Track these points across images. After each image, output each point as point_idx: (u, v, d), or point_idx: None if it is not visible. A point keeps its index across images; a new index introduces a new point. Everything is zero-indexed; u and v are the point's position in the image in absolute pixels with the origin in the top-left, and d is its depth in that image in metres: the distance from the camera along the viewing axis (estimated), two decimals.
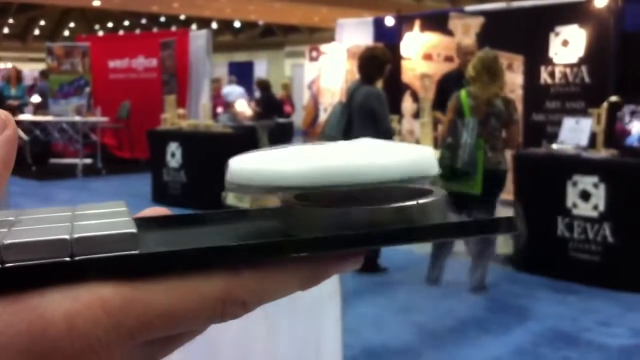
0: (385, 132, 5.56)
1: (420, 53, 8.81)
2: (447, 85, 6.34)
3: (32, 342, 0.28)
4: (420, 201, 0.35)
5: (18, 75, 14.24)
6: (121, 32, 27.88)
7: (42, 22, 31.09)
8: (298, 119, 14.69)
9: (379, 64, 5.59)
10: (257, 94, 14.57)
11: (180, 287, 0.31)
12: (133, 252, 0.30)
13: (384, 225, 0.34)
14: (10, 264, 0.29)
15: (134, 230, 0.31)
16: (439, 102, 6.45)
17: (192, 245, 0.31)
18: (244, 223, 0.36)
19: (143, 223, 0.35)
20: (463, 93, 5.13)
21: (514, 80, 7.45)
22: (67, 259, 0.29)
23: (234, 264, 0.32)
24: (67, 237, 0.30)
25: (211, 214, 0.38)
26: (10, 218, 0.33)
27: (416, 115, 8.78)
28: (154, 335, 0.31)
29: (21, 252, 0.29)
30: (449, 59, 8.01)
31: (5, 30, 31.07)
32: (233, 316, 0.33)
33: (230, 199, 8.31)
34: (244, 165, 0.36)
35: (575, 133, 5.94)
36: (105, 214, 0.34)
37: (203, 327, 0.34)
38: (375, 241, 0.34)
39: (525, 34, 7.44)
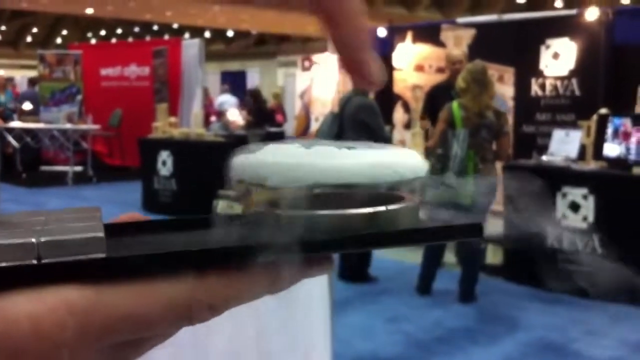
0: (382, 142, 5.56)
1: (412, 64, 8.84)
2: (436, 96, 6.36)
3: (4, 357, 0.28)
4: (390, 207, 0.35)
5: (4, 82, 14.21)
6: (114, 40, 27.85)
7: (35, 29, 31.03)
8: (290, 128, 14.70)
9: None
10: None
11: (145, 291, 0.31)
12: (99, 255, 0.30)
13: (352, 230, 0.34)
14: None
15: (101, 234, 0.31)
16: (427, 113, 6.46)
17: (159, 250, 0.32)
18: (214, 229, 0.36)
19: (114, 228, 0.35)
20: (455, 104, 5.15)
21: (505, 92, 7.49)
22: (34, 261, 0.30)
23: (200, 268, 0.32)
24: (33, 240, 0.30)
25: (183, 220, 0.38)
26: None
27: (407, 125, 8.80)
28: (119, 338, 0.31)
29: None
30: (440, 70, 8.03)
31: None
32: (200, 320, 0.33)
33: (221, 207, 8.30)
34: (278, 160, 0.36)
35: (565, 145, 5.97)
36: (77, 218, 0.34)
37: (171, 331, 0.34)
38: (341, 246, 0.34)
39: (516, 46, 7.48)
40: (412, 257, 5.76)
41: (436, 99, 6.24)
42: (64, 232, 0.31)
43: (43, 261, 0.30)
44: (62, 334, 0.29)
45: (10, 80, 16.20)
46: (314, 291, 1.85)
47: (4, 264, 0.29)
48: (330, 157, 0.35)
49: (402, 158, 0.37)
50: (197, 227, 0.37)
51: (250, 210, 0.36)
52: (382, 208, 0.34)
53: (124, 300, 0.31)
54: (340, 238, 0.34)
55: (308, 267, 0.35)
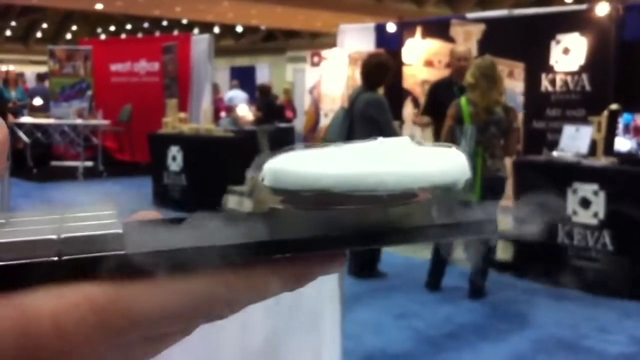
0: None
1: (422, 59, 8.83)
2: (438, 92, 6.34)
3: (17, 340, 0.28)
4: (404, 204, 0.35)
5: (15, 78, 14.26)
6: (123, 36, 27.91)
7: (45, 25, 31.13)
8: (299, 124, 14.68)
9: (385, 70, 5.60)
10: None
11: (165, 286, 0.31)
12: (119, 252, 0.31)
13: (368, 226, 0.34)
14: None
15: (120, 230, 0.31)
16: (429, 109, 6.43)
17: (177, 245, 0.32)
18: (231, 226, 0.36)
19: (131, 225, 0.35)
20: (463, 100, 5.14)
21: (515, 87, 7.47)
22: (55, 258, 0.30)
23: (219, 264, 0.32)
24: (54, 237, 0.30)
25: (199, 216, 0.38)
26: (1, 220, 0.34)
27: (416, 115, 8.79)
28: (139, 334, 0.31)
29: (9, 252, 0.29)
30: (450, 65, 8.02)
31: (8, 32, 31.10)
32: (219, 317, 0.33)
33: (231, 203, 8.31)
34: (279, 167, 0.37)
35: (575, 141, 5.95)
36: (94, 216, 0.34)
37: (189, 328, 0.35)
38: (355, 242, 0.35)
39: (526, 42, 7.46)
40: (421, 253, 5.76)
41: (438, 95, 6.23)
42: (82, 229, 0.31)
43: (64, 258, 0.30)
44: (82, 330, 0.29)
45: (20, 75, 16.26)
46: (324, 287, 1.86)
47: (24, 261, 0.29)
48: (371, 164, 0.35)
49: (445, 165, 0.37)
50: (212, 224, 0.37)
51: (267, 208, 0.37)
52: (396, 205, 0.35)
53: (143, 297, 0.31)
54: (356, 234, 0.34)
55: (323, 263, 0.36)
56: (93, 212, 0.35)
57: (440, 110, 5.93)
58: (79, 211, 0.35)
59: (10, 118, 12.30)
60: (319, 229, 0.34)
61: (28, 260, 0.29)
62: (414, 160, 0.36)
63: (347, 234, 0.34)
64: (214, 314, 0.33)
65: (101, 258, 0.30)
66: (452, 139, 5.05)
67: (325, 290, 1.86)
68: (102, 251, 0.30)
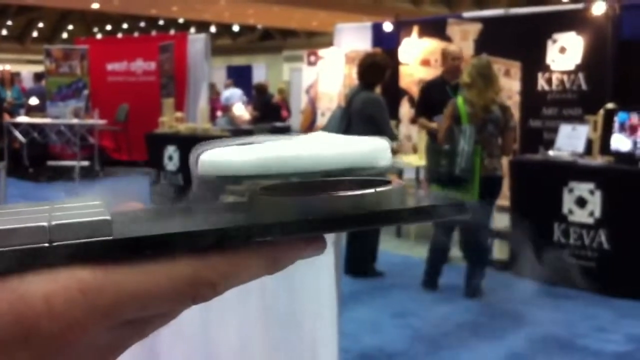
0: (388, 138, 5.56)
1: (418, 59, 8.83)
2: (430, 91, 6.35)
3: (13, 322, 0.29)
4: (378, 189, 0.37)
5: (11, 77, 14.24)
6: (120, 35, 27.87)
7: (41, 24, 31.08)
8: (295, 123, 14.69)
9: (380, 70, 5.61)
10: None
11: (151, 269, 0.33)
12: (107, 237, 0.32)
13: (343, 211, 0.36)
14: None
15: (108, 217, 0.32)
16: (423, 109, 6.43)
17: (162, 231, 0.33)
18: (214, 213, 0.38)
19: (118, 213, 0.36)
20: (460, 100, 5.14)
21: (511, 86, 7.47)
22: (46, 244, 0.31)
23: (202, 248, 0.34)
24: (45, 224, 0.31)
25: (184, 207, 0.40)
26: None
27: (414, 120, 8.80)
28: (127, 315, 0.32)
29: (2, 238, 0.30)
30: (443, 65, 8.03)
31: (4, 32, 31.05)
32: (203, 298, 0.34)
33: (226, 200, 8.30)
34: (205, 158, 0.39)
35: (571, 140, 5.96)
36: (82, 206, 0.35)
37: (176, 310, 0.36)
38: (333, 226, 0.36)
39: (523, 41, 7.46)
40: (418, 252, 5.77)
41: (430, 94, 6.24)
42: (72, 216, 0.32)
43: (54, 244, 0.31)
44: (73, 312, 0.30)
45: (17, 75, 16.24)
46: (321, 286, 1.86)
47: (17, 247, 0.31)
48: (309, 147, 0.37)
49: (366, 149, 0.39)
50: (196, 212, 0.39)
51: (247, 197, 0.38)
52: (370, 190, 0.36)
53: (131, 279, 0.32)
54: (331, 218, 0.36)
55: (303, 247, 0.37)
56: (80, 202, 0.36)
57: (433, 110, 5.94)
58: (67, 202, 0.37)
59: (6, 117, 12.28)
60: (296, 215, 0.35)
61: (21, 247, 0.30)
62: (325, 146, 0.38)
63: (323, 218, 0.36)
64: (198, 296, 0.34)
65: (90, 244, 0.32)
66: (451, 139, 5.06)
67: (321, 289, 1.86)
68: (91, 237, 0.32)
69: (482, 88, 5.05)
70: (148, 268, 0.32)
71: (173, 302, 0.34)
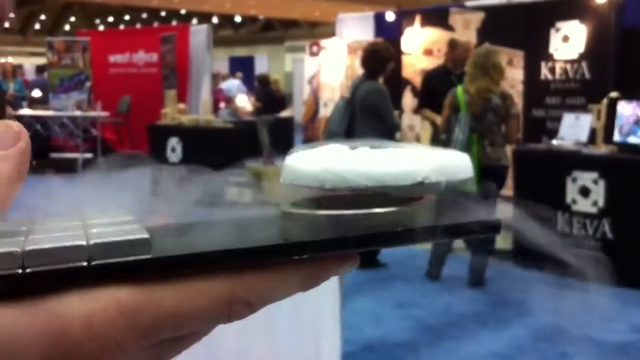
0: (390, 128, 5.57)
1: (421, 48, 8.81)
2: (432, 81, 6.34)
3: (51, 343, 0.29)
4: (410, 206, 0.37)
5: (12, 69, 14.23)
6: (122, 27, 27.84)
7: (43, 17, 31.06)
8: (298, 114, 14.68)
9: (380, 59, 5.59)
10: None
11: (188, 288, 0.33)
12: (146, 256, 0.32)
13: (378, 228, 0.36)
14: (30, 269, 0.30)
15: (146, 235, 0.32)
16: (426, 99, 6.43)
17: (200, 249, 0.33)
18: (248, 227, 0.38)
19: (153, 230, 0.36)
20: (459, 89, 5.14)
21: (514, 75, 7.45)
22: (85, 263, 0.31)
23: (239, 266, 0.34)
24: (83, 243, 0.31)
25: (215, 221, 0.40)
26: (24, 228, 0.35)
27: (417, 110, 8.78)
28: (165, 334, 0.33)
29: (41, 258, 0.30)
30: (447, 54, 8.01)
31: (6, 24, 31.00)
32: (238, 316, 0.34)
33: (231, 194, 8.30)
34: (297, 165, 0.39)
35: (575, 129, 5.94)
36: (117, 222, 0.36)
37: (210, 328, 0.36)
38: (370, 243, 0.36)
39: (526, 30, 7.44)
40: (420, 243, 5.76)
41: (432, 84, 6.23)
42: (110, 234, 0.32)
43: (93, 263, 0.31)
44: (112, 332, 0.30)
45: (19, 67, 16.23)
46: None
47: (56, 267, 0.31)
48: (371, 161, 0.37)
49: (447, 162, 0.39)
50: (228, 227, 0.39)
51: (283, 209, 0.38)
52: (403, 207, 0.37)
53: (169, 298, 0.32)
54: (370, 235, 0.36)
55: (338, 263, 0.37)
56: (113, 218, 0.37)
57: (435, 100, 5.93)
58: (99, 217, 0.37)
59: (9, 110, 12.28)
60: (334, 231, 0.35)
61: (60, 266, 0.31)
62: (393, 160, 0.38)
63: (360, 236, 0.36)
64: (234, 314, 0.34)
65: (129, 263, 0.32)
66: (449, 128, 5.05)
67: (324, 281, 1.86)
68: (130, 256, 0.32)
69: (474, 76, 5.05)
70: (186, 287, 0.33)
71: (210, 321, 0.34)
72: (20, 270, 0.30)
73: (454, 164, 0.39)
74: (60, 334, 0.29)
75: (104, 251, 0.31)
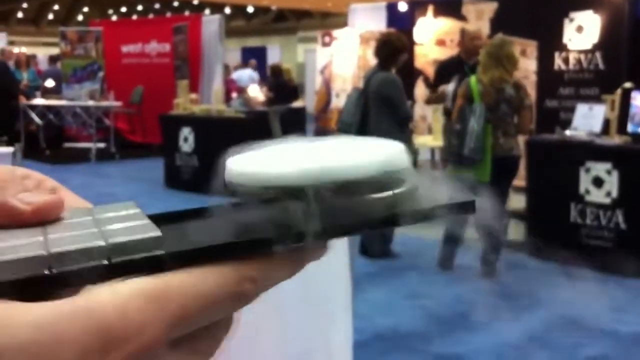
0: (403, 119, 5.56)
1: (434, 39, 8.78)
2: (446, 71, 6.33)
3: (91, 336, 0.30)
4: (396, 191, 0.39)
5: (26, 59, 14.28)
6: (134, 17, 27.88)
7: (56, 7, 31.13)
8: (310, 104, 14.67)
9: (393, 50, 5.57)
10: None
11: (202, 273, 0.34)
12: (160, 252, 0.34)
13: (366, 214, 0.38)
14: (56, 270, 0.32)
15: (159, 233, 0.35)
16: (436, 85, 6.46)
17: (207, 241, 0.35)
18: (248, 214, 0.39)
19: (156, 221, 0.37)
20: (473, 79, 5.13)
21: (528, 66, 7.41)
22: (105, 262, 0.33)
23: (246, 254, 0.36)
24: (102, 243, 0.33)
25: (213, 208, 0.42)
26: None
27: (428, 101, 8.76)
28: (191, 322, 0.34)
29: (66, 260, 0.32)
30: (460, 44, 7.97)
31: (19, 14, 31.13)
32: (247, 297, 0.36)
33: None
34: (235, 167, 0.41)
35: (588, 119, 5.91)
36: (126, 217, 0.37)
37: (230, 317, 0.38)
38: (358, 229, 0.39)
39: (539, 20, 7.39)
40: (433, 233, 5.76)
41: (445, 74, 6.22)
42: (124, 233, 0.35)
43: (113, 261, 0.33)
44: (146, 319, 0.32)
45: (32, 57, 16.29)
46: (335, 267, 1.86)
47: (81, 266, 0.32)
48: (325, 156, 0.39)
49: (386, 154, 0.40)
50: (227, 214, 0.41)
51: (276, 203, 0.39)
52: (389, 193, 0.39)
53: (188, 283, 0.34)
54: (357, 222, 0.38)
55: (319, 250, 0.39)
56: (122, 211, 0.39)
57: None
58: (108, 210, 0.39)
59: (23, 100, 12.34)
60: (325, 220, 0.37)
61: (84, 266, 0.33)
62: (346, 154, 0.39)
63: (353, 221, 0.38)
64: (243, 293, 0.36)
65: (146, 258, 0.34)
66: (462, 118, 5.04)
67: (335, 270, 1.86)
68: (145, 252, 0.34)
69: (488, 67, 5.04)
70: (199, 272, 0.34)
71: (225, 303, 0.35)
72: (47, 272, 0.32)
73: (394, 152, 0.40)
74: (99, 326, 0.30)
75: (121, 250, 0.33)
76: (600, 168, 5.45)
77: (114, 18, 28.61)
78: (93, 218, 0.37)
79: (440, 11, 8.68)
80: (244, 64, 17.63)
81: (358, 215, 0.37)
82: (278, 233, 0.37)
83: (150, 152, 11.83)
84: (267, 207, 0.39)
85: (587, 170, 5.52)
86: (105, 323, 0.30)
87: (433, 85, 6.82)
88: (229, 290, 0.35)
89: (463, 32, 6.58)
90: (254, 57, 19.85)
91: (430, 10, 8.76)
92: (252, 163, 0.40)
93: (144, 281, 0.33)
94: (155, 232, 0.35)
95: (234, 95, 13.26)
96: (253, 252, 0.36)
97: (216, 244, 0.35)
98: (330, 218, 0.37)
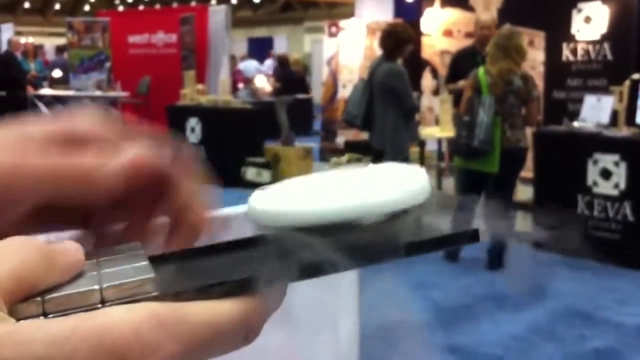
0: (408, 110, 5.55)
1: (441, 29, 8.74)
2: (460, 62, 6.31)
3: (105, 353, 0.30)
4: (395, 221, 0.38)
5: (33, 49, 14.29)
6: (141, 8, 27.86)
7: None
8: (317, 95, 14.65)
9: (399, 40, 5.55)
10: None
11: (217, 304, 0.34)
12: (152, 294, 0.34)
13: (367, 244, 0.37)
14: (54, 316, 0.32)
15: (151, 275, 0.35)
16: (452, 78, 6.45)
17: (205, 280, 0.35)
18: (245, 252, 0.39)
19: (158, 259, 0.38)
20: (481, 71, 5.11)
21: (535, 57, 7.38)
22: (99, 305, 0.33)
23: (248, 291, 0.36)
24: (97, 287, 0.33)
25: (214, 245, 0.41)
26: (94, 260, 0.37)
27: (436, 92, 8.74)
28: (202, 349, 0.34)
29: (58, 305, 0.32)
30: (469, 35, 7.93)
31: (26, 4, 31.14)
32: (255, 327, 0.36)
33: (250, 174, 8.33)
34: (263, 207, 0.39)
35: (596, 111, 5.89)
36: (126, 258, 0.37)
37: (233, 348, 0.37)
38: (362, 262, 0.37)
39: (547, 10, 7.35)
40: None
41: (460, 65, 6.21)
42: (118, 276, 0.35)
43: (107, 304, 0.33)
44: (159, 339, 0.32)
45: (39, 47, 16.31)
46: None
47: (75, 310, 0.32)
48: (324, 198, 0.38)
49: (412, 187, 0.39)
50: (230, 252, 0.40)
51: (273, 236, 0.39)
52: (388, 222, 0.38)
53: (197, 310, 0.34)
54: (361, 254, 0.37)
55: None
56: (124, 252, 0.38)
57: (461, 80, 5.91)
58: (110, 252, 0.38)
59: (30, 90, 12.37)
60: (326, 254, 0.36)
61: (77, 309, 0.33)
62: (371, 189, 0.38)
63: (351, 255, 0.36)
64: (251, 329, 0.36)
65: (139, 300, 0.34)
66: (471, 110, 5.03)
67: None
68: (138, 294, 0.34)
69: (496, 58, 5.03)
70: (212, 303, 0.34)
71: (234, 334, 0.35)
72: (100, 305, 0.33)
73: (414, 184, 0.39)
74: (113, 344, 0.30)
75: (115, 292, 0.34)
76: (608, 160, 5.43)
77: (121, 8, 28.59)
78: (97, 261, 0.37)
79: (448, 1, 8.64)
80: (250, 55, 17.61)
81: (360, 250, 0.37)
82: (284, 272, 0.36)
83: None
84: (267, 240, 0.39)
85: (595, 162, 5.50)
86: (119, 341, 0.31)
87: (449, 77, 6.81)
88: (238, 323, 0.35)
89: (475, 22, 6.59)
90: (261, 47, 19.84)
91: (437, 0, 8.73)
92: (280, 200, 0.40)
93: (155, 305, 0.33)
94: (148, 275, 0.35)
95: (241, 85, 13.25)
96: (255, 290, 0.36)
97: (214, 283, 0.35)
98: (326, 252, 0.36)
